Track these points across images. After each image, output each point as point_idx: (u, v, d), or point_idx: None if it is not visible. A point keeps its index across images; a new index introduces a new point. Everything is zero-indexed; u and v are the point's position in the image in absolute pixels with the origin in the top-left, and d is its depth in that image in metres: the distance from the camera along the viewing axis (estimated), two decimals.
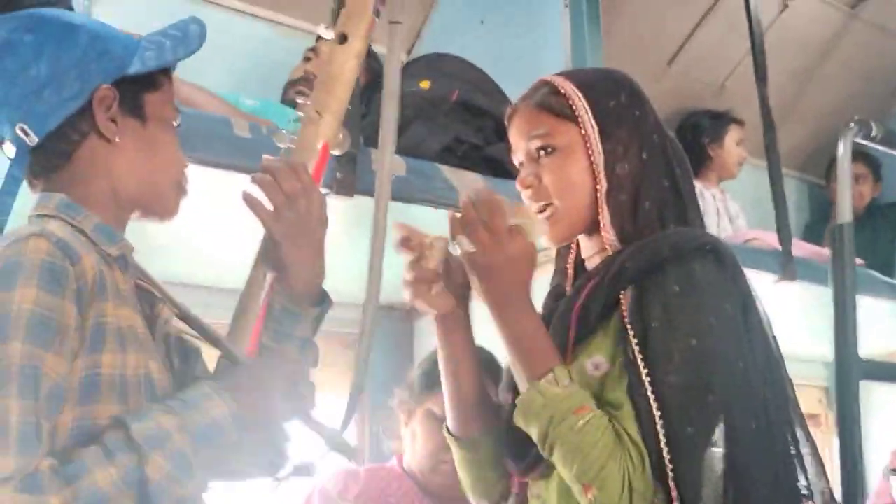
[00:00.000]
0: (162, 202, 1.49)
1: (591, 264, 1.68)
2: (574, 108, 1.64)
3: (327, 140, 1.61)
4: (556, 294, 1.73)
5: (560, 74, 1.71)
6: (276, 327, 1.56)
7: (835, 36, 4.64)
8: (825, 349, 3.18)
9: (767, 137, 3.44)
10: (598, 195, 1.62)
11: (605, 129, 1.64)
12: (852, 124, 3.11)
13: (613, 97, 1.67)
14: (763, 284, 3.13)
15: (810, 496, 1.56)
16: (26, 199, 1.43)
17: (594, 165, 1.63)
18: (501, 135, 1.79)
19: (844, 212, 3.09)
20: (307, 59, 3.32)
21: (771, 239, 3.55)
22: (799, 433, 1.59)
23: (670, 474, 1.45)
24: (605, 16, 3.17)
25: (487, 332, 1.67)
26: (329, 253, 1.57)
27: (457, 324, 1.68)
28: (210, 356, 1.55)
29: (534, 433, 1.52)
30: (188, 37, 1.49)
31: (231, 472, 1.43)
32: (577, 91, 1.66)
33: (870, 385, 3.31)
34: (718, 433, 1.46)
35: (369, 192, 2.20)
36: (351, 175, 2.27)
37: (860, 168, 4.61)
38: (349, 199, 2.27)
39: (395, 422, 2.55)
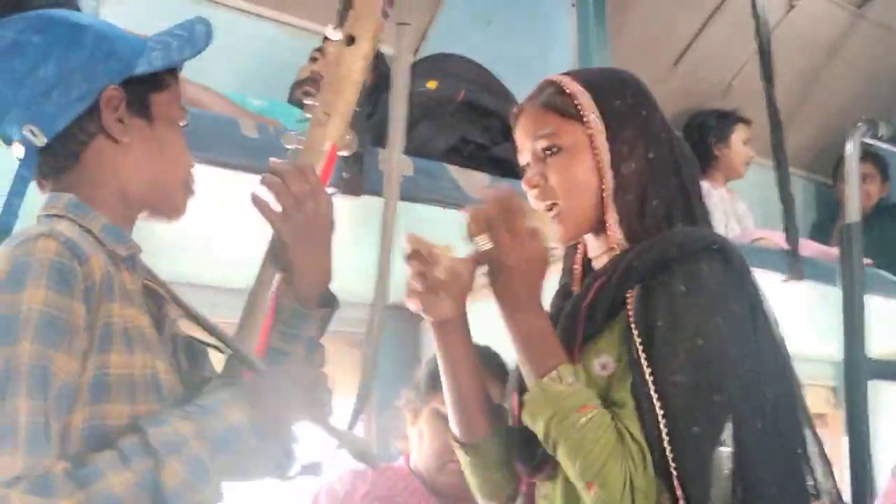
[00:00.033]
0: (169, 202, 1.50)
1: (598, 264, 1.68)
2: (580, 107, 1.64)
3: (335, 141, 1.61)
4: (563, 293, 1.73)
5: (566, 74, 1.71)
6: (283, 328, 1.57)
7: (841, 35, 4.63)
8: (832, 349, 3.18)
9: (774, 137, 3.45)
10: (605, 195, 1.62)
11: (611, 128, 1.64)
12: (860, 124, 3.12)
13: (619, 97, 1.67)
14: (770, 284, 3.13)
15: (818, 496, 1.56)
16: (36, 199, 1.44)
17: (600, 165, 1.63)
18: (508, 135, 1.79)
19: (853, 211, 3.10)
20: (314, 60, 3.33)
21: (778, 238, 3.55)
22: (807, 433, 1.58)
23: (674, 473, 1.45)
24: (611, 16, 3.18)
25: (488, 332, 1.68)
26: (335, 252, 1.57)
27: (456, 329, 1.67)
28: (217, 357, 1.55)
29: (538, 430, 1.53)
30: (194, 37, 1.49)
31: (238, 472, 1.43)
32: (582, 91, 1.66)
33: (878, 384, 3.31)
34: (726, 433, 1.46)
35: (376, 191, 2.21)
36: (358, 175, 2.27)
37: (868, 168, 4.61)
38: (355, 199, 2.27)
39: (402, 421, 2.55)
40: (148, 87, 1.46)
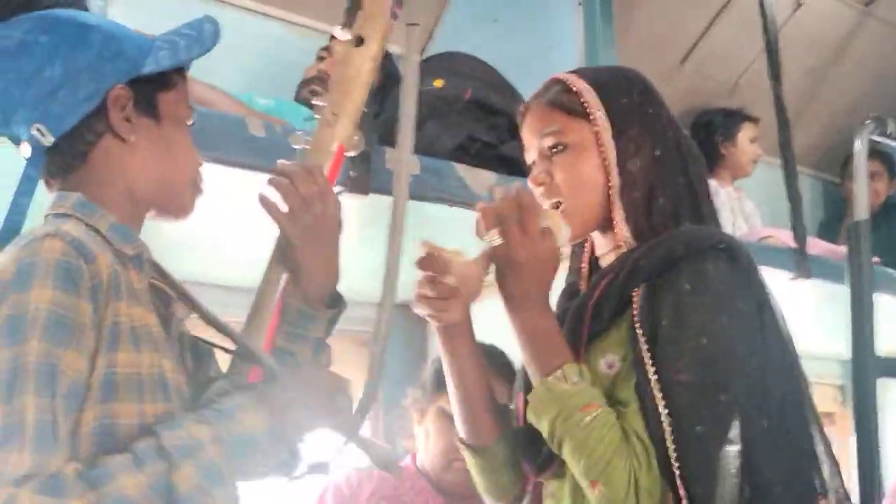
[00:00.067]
0: (177, 201, 1.50)
1: (605, 262, 1.68)
2: (586, 105, 1.64)
3: (342, 142, 1.61)
4: (570, 292, 1.73)
5: (572, 72, 1.71)
6: (290, 328, 1.57)
7: (849, 34, 4.63)
8: (840, 347, 3.17)
9: (782, 135, 3.44)
10: (611, 192, 1.62)
11: (618, 126, 1.64)
12: (868, 121, 3.11)
13: (626, 94, 1.67)
14: (778, 282, 3.12)
15: (825, 494, 1.56)
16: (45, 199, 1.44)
17: (606, 163, 1.63)
18: (514, 133, 1.80)
19: (861, 209, 3.09)
20: (320, 59, 3.33)
21: (785, 237, 3.54)
22: (814, 431, 1.58)
23: (677, 472, 1.45)
24: (618, 14, 3.18)
25: (493, 330, 1.68)
26: (342, 252, 1.57)
27: (462, 332, 1.67)
28: (222, 357, 1.55)
29: (543, 429, 1.53)
30: (202, 36, 1.49)
31: (244, 472, 1.43)
32: (589, 88, 1.66)
33: (886, 382, 3.31)
34: (733, 431, 1.45)
35: (383, 190, 2.21)
36: (365, 174, 2.27)
37: (875, 166, 4.60)
38: (362, 198, 2.27)
39: (408, 420, 2.55)
40: (155, 87, 1.46)
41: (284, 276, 1.57)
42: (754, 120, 4.33)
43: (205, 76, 2.53)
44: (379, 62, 1.65)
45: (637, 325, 1.52)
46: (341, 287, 1.59)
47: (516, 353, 1.63)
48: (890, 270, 3.82)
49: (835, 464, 1.59)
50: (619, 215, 1.62)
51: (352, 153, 1.65)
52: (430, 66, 3.03)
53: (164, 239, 1.63)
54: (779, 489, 1.48)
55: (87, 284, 1.28)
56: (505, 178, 2.60)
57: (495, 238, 1.54)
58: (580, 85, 1.66)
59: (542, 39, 3.29)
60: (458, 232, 1.60)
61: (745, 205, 4.29)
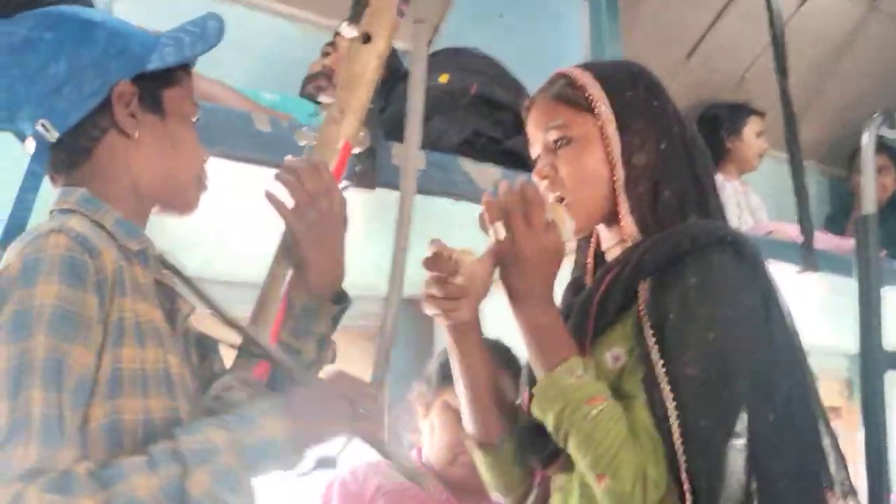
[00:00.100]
0: (181, 197, 1.50)
1: (610, 255, 1.68)
2: (591, 99, 1.64)
3: (348, 139, 1.62)
4: (575, 287, 1.73)
5: (577, 66, 1.71)
6: (295, 324, 1.57)
7: (855, 28, 4.62)
8: (846, 341, 3.16)
9: (788, 129, 3.44)
10: (616, 186, 1.62)
11: (622, 119, 1.64)
12: (876, 115, 3.10)
13: (631, 88, 1.67)
14: (785, 276, 3.12)
15: (831, 487, 1.56)
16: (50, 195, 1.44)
17: (610, 156, 1.63)
18: (520, 128, 1.79)
19: (869, 202, 3.08)
20: (325, 54, 3.33)
21: (791, 231, 3.54)
22: (820, 424, 1.58)
23: (683, 466, 1.45)
24: (623, 9, 3.17)
25: (499, 326, 1.68)
26: (347, 246, 1.57)
27: (470, 331, 1.66)
28: (227, 353, 1.56)
29: (548, 423, 1.52)
30: (207, 33, 1.50)
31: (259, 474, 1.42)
32: (594, 82, 1.66)
33: (894, 376, 3.30)
34: (739, 425, 1.45)
35: (389, 184, 2.21)
36: (371, 169, 2.28)
37: (883, 160, 4.59)
38: (366, 193, 2.27)
39: (414, 415, 2.55)
40: (160, 83, 1.46)
41: (290, 272, 1.58)
42: (760, 114, 4.32)
43: (211, 72, 2.54)
44: (385, 59, 1.65)
45: (644, 318, 1.52)
46: (347, 282, 1.59)
47: (521, 349, 1.63)
48: None
49: (841, 457, 1.59)
50: (624, 209, 1.62)
51: (357, 150, 1.65)
52: (436, 61, 3.03)
53: (169, 234, 1.63)
54: (785, 483, 1.48)
55: (93, 279, 1.28)
56: (510, 173, 2.60)
57: (499, 231, 1.54)
58: (585, 79, 1.66)
59: (548, 35, 3.29)
60: (463, 226, 1.60)
61: (751, 199, 4.29)
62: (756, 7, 3.61)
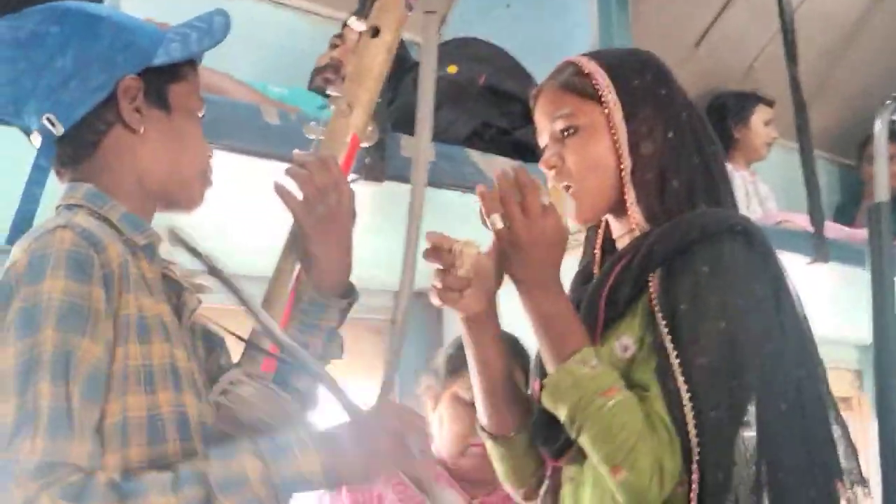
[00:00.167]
0: (186, 192, 1.50)
1: (620, 244, 1.67)
2: (598, 87, 1.64)
3: (357, 133, 1.61)
4: (583, 276, 1.73)
5: (585, 55, 1.71)
6: (302, 318, 1.57)
7: (864, 16, 4.60)
8: (857, 332, 3.15)
9: (798, 118, 3.42)
10: (623, 175, 1.62)
11: (630, 108, 1.63)
12: (889, 102, 3.08)
13: (638, 76, 1.66)
14: (795, 266, 3.11)
15: (841, 476, 1.55)
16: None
17: (617, 145, 1.62)
18: (529, 119, 1.79)
19: (882, 190, 3.06)
20: (333, 46, 3.32)
21: (801, 221, 3.53)
22: (830, 413, 1.58)
23: (696, 457, 1.45)
24: None
25: (509, 320, 1.67)
26: (356, 239, 1.57)
27: (485, 323, 1.66)
28: (235, 346, 1.55)
29: (562, 415, 1.52)
30: (213, 28, 1.50)
31: None
32: (601, 71, 1.65)
33: None
34: (750, 414, 1.45)
35: (397, 177, 2.21)
36: (380, 161, 2.27)
37: (894, 148, 4.57)
38: (375, 187, 2.27)
39: (423, 408, 2.55)
40: (166, 78, 1.46)
41: (298, 266, 1.57)
42: (769, 102, 4.30)
43: (219, 65, 2.53)
44: (394, 53, 1.65)
45: (656, 308, 1.52)
46: (354, 275, 1.59)
47: (530, 341, 1.62)
48: None
49: (851, 447, 1.59)
50: (631, 198, 1.62)
51: (365, 144, 1.65)
52: (444, 51, 3.01)
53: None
54: (795, 473, 1.48)
55: (99, 273, 1.28)
56: (519, 164, 2.58)
57: (497, 222, 1.54)
58: (592, 67, 1.66)
59: (556, 24, 3.28)
60: (472, 218, 1.60)
61: (759, 188, 4.27)
62: None
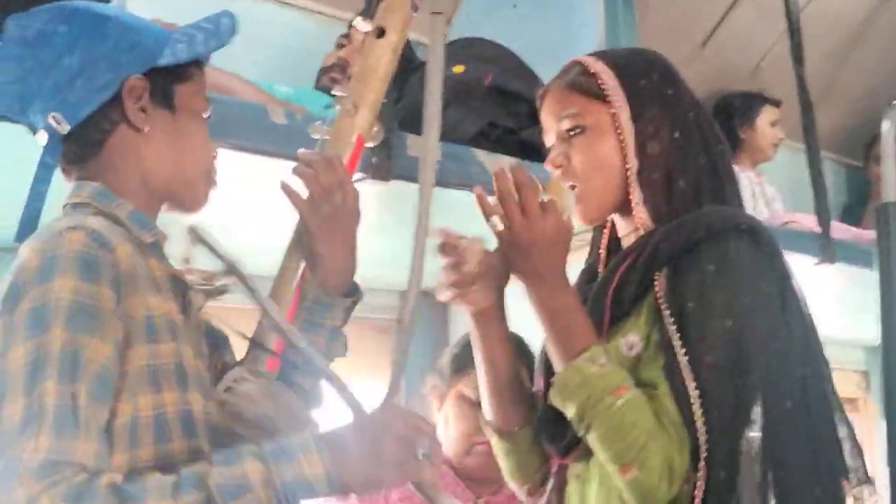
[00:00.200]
0: (190, 192, 1.50)
1: (626, 243, 1.67)
2: (604, 87, 1.64)
3: (362, 133, 1.62)
4: (588, 275, 1.73)
5: (592, 55, 1.71)
6: (306, 316, 1.58)
7: (870, 16, 4.59)
8: (864, 333, 3.15)
9: (805, 119, 3.42)
10: (629, 175, 1.62)
11: (636, 108, 1.63)
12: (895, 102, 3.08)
13: (645, 76, 1.66)
14: (802, 267, 3.10)
15: (846, 475, 1.55)
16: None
17: (624, 145, 1.62)
18: (535, 119, 1.79)
19: (889, 191, 3.05)
20: (340, 46, 3.32)
21: (808, 221, 3.52)
22: (835, 413, 1.58)
23: (703, 455, 1.44)
24: None
25: (515, 317, 1.67)
26: (361, 239, 1.57)
27: (492, 318, 1.67)
28: (238, 345, 1.55)
29: (570, 413, 1.52)
30: (220, 29, 1.50)
31: None
32: (607, 70, 1.65)
33: None
34: (755, 413, 1.45)
35: (404, 176, 2.21)
36: (386, 160, 2.27)
37: None
38: (380, 186, 2.27)
39: (428, 408, 2.55)
40: (172, 78, 1.47)
41: (302, 265, 1.58)
42: (775, 103, 4.29)
43: (225, 65, 2.54)
44: (399, 53, 1.65)
45: (663, 307, 1.52)
46: (360, 274, 1.59)
47: (535, 341, 1.62)
48: None
49: (856, 446, 1.59)
50: (636, 198, 1.62)
51: (370, 144, 1.66)
52: (451, 51, 3.01)
53: (181, 225, 1.63)
54: (800, 471, 1.48)
55: (108, 274, 1.29)
56: (525, 164, 2.58)
57: (497, 225, 1.54)
58: (599, 67, 1.66)
59: (562, 24, 3.27)
60: (478, 218, 1.60)
61: (766, 189, 4.26)
62: None
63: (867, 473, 1.59)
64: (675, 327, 1.49)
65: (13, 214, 1.42)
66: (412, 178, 1.63)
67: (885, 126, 3.07)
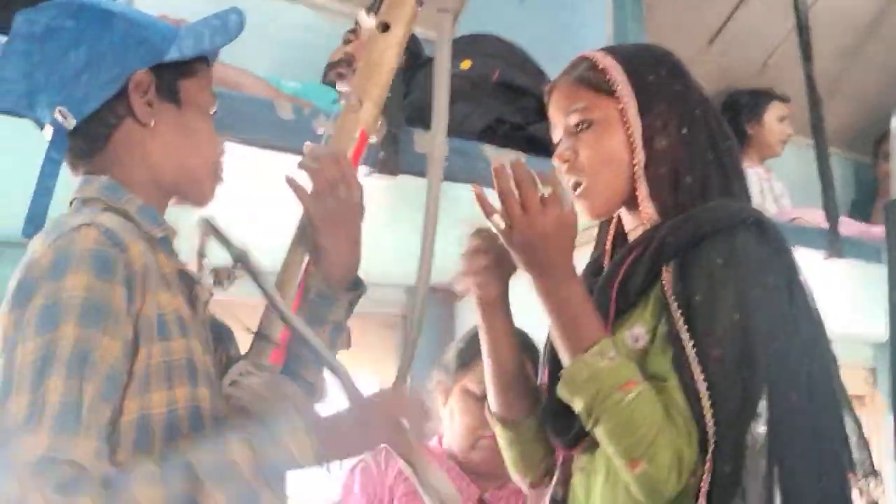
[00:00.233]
0: (197, 187, 1.51)
1: (632, 237, 1.67)
2: (612, 82, 1.64)
3: (366, 127, 1.62)
4: (594, 268, 1.73)
5: (600, 50, 1.71)
6: (310, 311, 1.58)
7: (879, 13, 4.57)
8: (871, 329, 3.14)
9: (813, 115, 3.42)
10: (636, 170, 1.62)
11: (644, 103, 1.63)
12: None
13: (653, 72, 1.66)
14: (810, 262, 3.10)
15: (853, 467, 1.55)
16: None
17: (631, 139, 1.62)
18: (542, 114, 1.79)
19: None
20: (347, 42, 3.33)
21: (816, 217, 3.52)
22: (842, 408, 1.57)
23: (711, 447, 1.44)
24: None
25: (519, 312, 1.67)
26: (367, 234, 1.58)
27: (498, 308, 1.69)
28: (243, 338, 1.56)
29: (578, 407, 1.51)
30: (227, 26, 1.51)
31: None
32: (616, 65, 1.65)
33: None
34: (761, 406, 1.45)
35: (410, 171, 2.21)
36: (394, 155, 2.28)
37: None
38: (388, 181, 2.27)
39: (434, 403, 2.56)
40: (178, 73, 1.47)
41: (306, 259, 1.58)
42: (783, 99, 4.29)
43: (232, 60, 2.54)
44: (404, 48, 1.65)
45: (671, 300, 1.51)
46: (366, 269, 1.60)
47: (539, 336, 1.62)
48: None
49: (862, 438, 1.59)
50: (643, 193, 1.62)
51: (373, 138, 1.66)
52: (458, 47, 3.00)
53: (188, 220, 1.64)
54: (805, 465, 1.48)
55: (122, 273, 1.29)
56: (532, 159, 2.58)
57: (498, 223, 1.54)
58: (607, 62, 1.66)
59: (570, 20, 3.27)
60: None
61: (774, 185, 4.26)
62: None
63: (873, 466, 1.59)
64: (682, 321, 1.49)
65: (15, 209, 1.43)
66: (420, 173, 1.63)
67: (894, 123, 3.07)
